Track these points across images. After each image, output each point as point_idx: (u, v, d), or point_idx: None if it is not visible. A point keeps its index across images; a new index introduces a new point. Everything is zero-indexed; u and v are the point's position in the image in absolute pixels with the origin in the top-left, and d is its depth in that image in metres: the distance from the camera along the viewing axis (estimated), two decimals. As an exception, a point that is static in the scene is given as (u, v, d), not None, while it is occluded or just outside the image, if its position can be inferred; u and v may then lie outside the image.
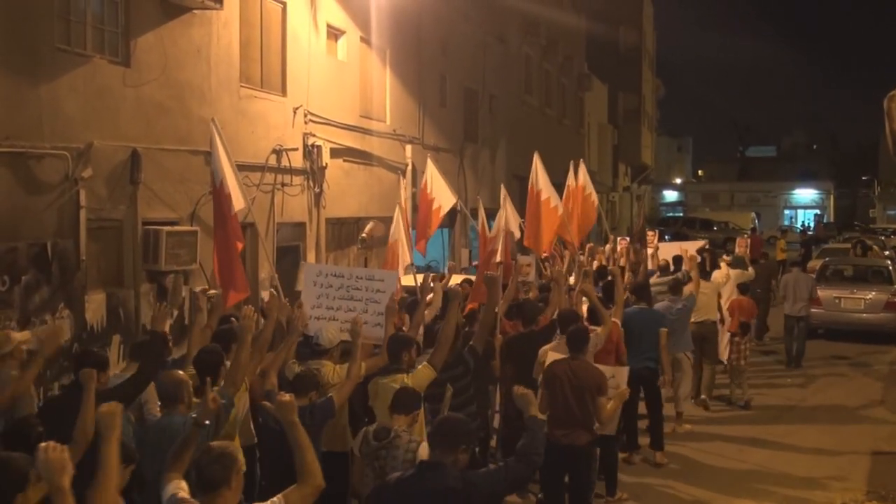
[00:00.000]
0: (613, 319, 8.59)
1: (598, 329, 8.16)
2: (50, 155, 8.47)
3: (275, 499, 4.08)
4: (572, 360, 7.12)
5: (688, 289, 11.10)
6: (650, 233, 15.17)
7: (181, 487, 4.12)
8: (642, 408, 9.84)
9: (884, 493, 8.70)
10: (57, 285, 8.58)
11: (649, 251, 13.37)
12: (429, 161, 11.66)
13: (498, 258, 9.88)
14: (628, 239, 14.49)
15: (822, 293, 17.45)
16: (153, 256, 9.65)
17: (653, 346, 9.55)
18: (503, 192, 11.32)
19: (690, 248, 13.31)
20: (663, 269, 12.50)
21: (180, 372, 5.81)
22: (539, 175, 11.34)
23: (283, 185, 12.26)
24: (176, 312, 10.17)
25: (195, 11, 10.41)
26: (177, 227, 10.03)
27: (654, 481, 9.07)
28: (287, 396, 4.55)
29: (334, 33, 14.08)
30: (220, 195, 8.14)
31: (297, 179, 12.63)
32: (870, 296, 17.49)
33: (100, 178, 9.08)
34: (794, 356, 15.02)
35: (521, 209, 12.52)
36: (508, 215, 11.05)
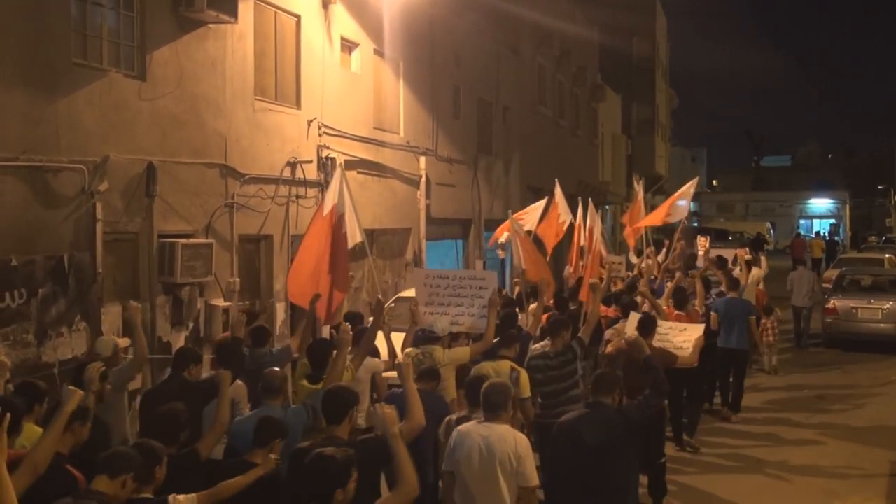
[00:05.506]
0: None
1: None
2: (67, 168, 8.54)
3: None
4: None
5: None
6: (702, 238, 18.63)
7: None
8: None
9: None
10: (73, 298, 8.62)
11: (700, 252, 16.85)
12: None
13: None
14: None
15: (838, 303, 17.43)
16: (169, 269, 9.70)
17: (742, 330, 11.79)
18: (590, 205, 12.89)
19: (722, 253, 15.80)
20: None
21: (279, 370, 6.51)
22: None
23: (298, 197, 12.29)
24: (192, 324, 10.22)
25: (210, 25, 10.48)
26: (192, 240, 10.07)
27: (671, 488, 9.00)
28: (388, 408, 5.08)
29: (348, 46, 14.14)
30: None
31: (312, 192, 12.66)
32: (887, 306, 17.35)
33: (116, 191, 9.14)
34: (802, 337, 17.79)
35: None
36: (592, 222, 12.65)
